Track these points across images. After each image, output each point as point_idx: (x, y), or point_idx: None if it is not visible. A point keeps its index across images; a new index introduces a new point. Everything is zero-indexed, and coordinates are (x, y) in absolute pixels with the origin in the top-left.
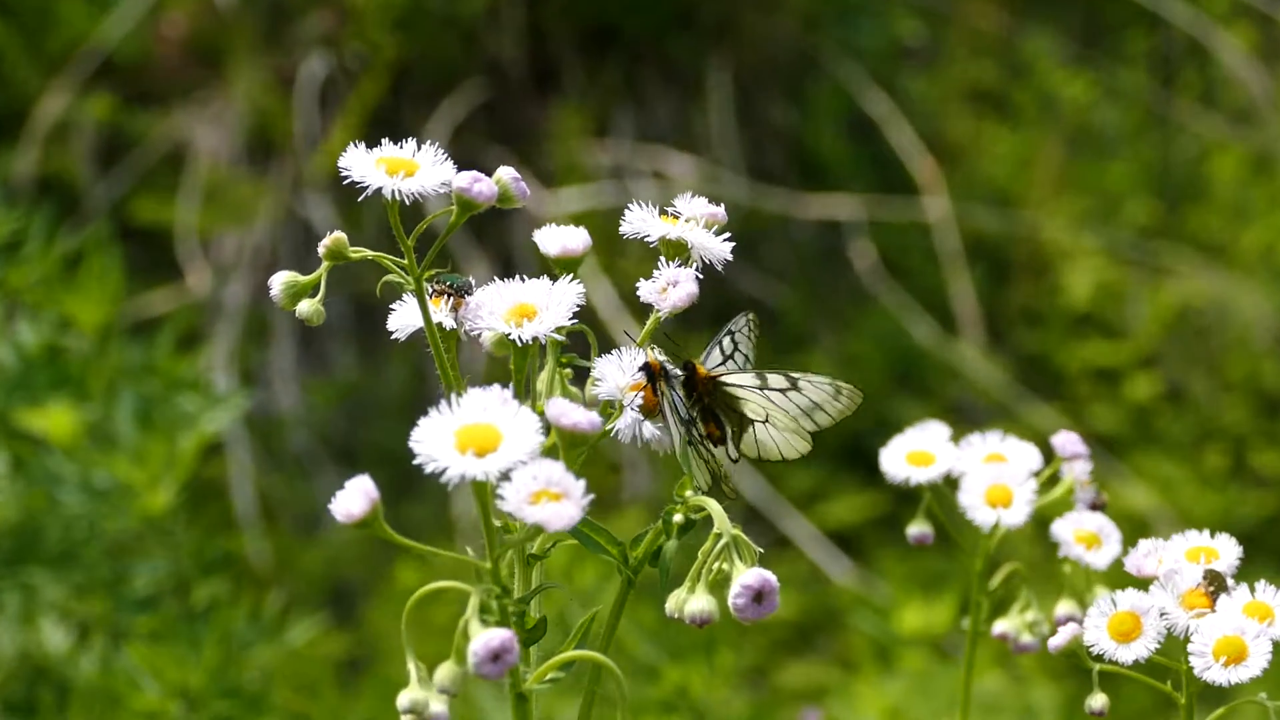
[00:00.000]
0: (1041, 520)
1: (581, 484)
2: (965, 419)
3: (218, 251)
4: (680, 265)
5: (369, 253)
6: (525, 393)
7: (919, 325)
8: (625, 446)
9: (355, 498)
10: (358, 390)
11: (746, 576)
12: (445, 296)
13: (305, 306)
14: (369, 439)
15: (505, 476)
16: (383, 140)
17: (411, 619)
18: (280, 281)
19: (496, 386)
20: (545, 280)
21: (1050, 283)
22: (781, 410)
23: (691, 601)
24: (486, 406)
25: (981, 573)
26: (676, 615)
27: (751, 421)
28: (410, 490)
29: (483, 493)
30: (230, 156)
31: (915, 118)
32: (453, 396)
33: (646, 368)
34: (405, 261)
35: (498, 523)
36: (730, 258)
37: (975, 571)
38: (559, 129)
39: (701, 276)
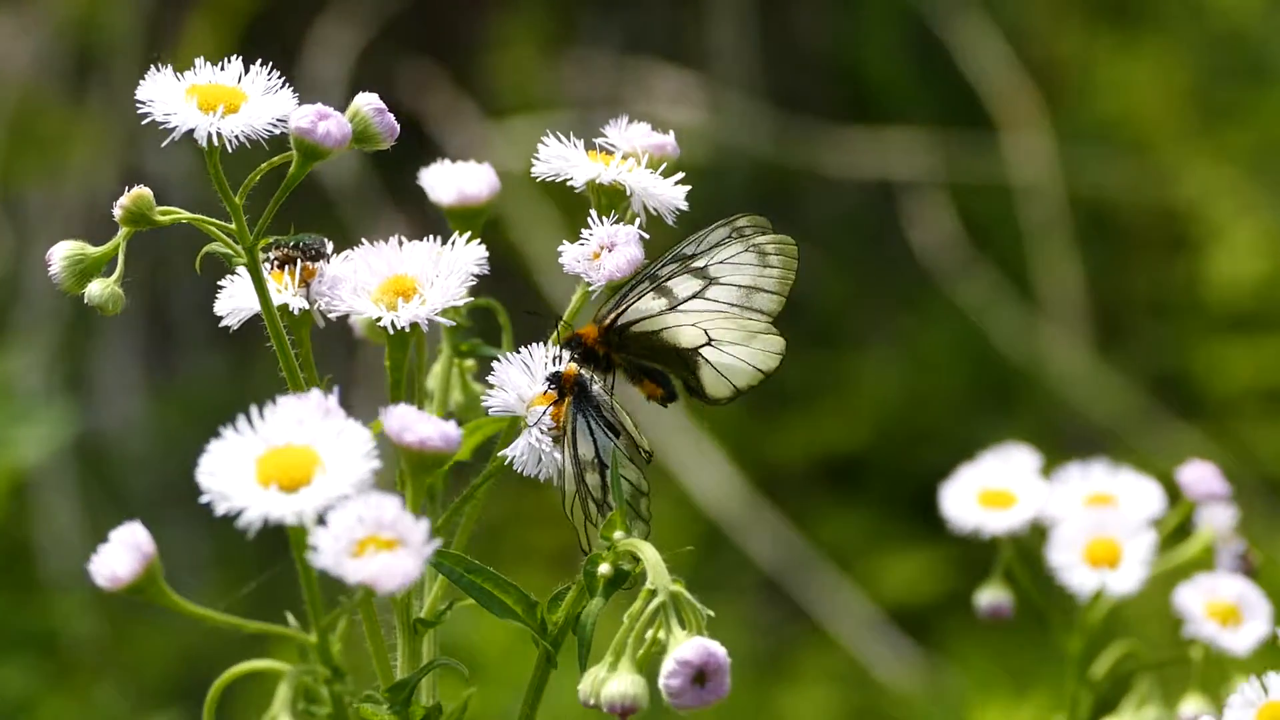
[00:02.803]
0: (1172, 585)
1: (424, 527)
2: (1071, 448)
3: (24, 208)
4: (618, 221)
5: (183, 214)
6: (411, 395)
7: (1005, 320)
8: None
9: (122, 555)
10: (223, 404)
11: (684, 649)
12: (292, 265)
13: (97, 289)
14: None
15: (323, 519)
16: (258, 58)
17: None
18: (62, 255)
19: (315, 392)
20: (431, 242)
21: (1190, 263)
22: (716, 316)
23: (611, 683)
24: (302, 420)
25: (1081, 657)
26: (591, 701)
27: (695, 351)
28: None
29: (299, 540)
30: (41, 77)
31: (1003, 31)
32: (264, 410)
33: (556, 378)
34: (234, 226)
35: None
36: (685, 206)
37: (1073, 655)
38: (507, 36)
39: (648, 235)
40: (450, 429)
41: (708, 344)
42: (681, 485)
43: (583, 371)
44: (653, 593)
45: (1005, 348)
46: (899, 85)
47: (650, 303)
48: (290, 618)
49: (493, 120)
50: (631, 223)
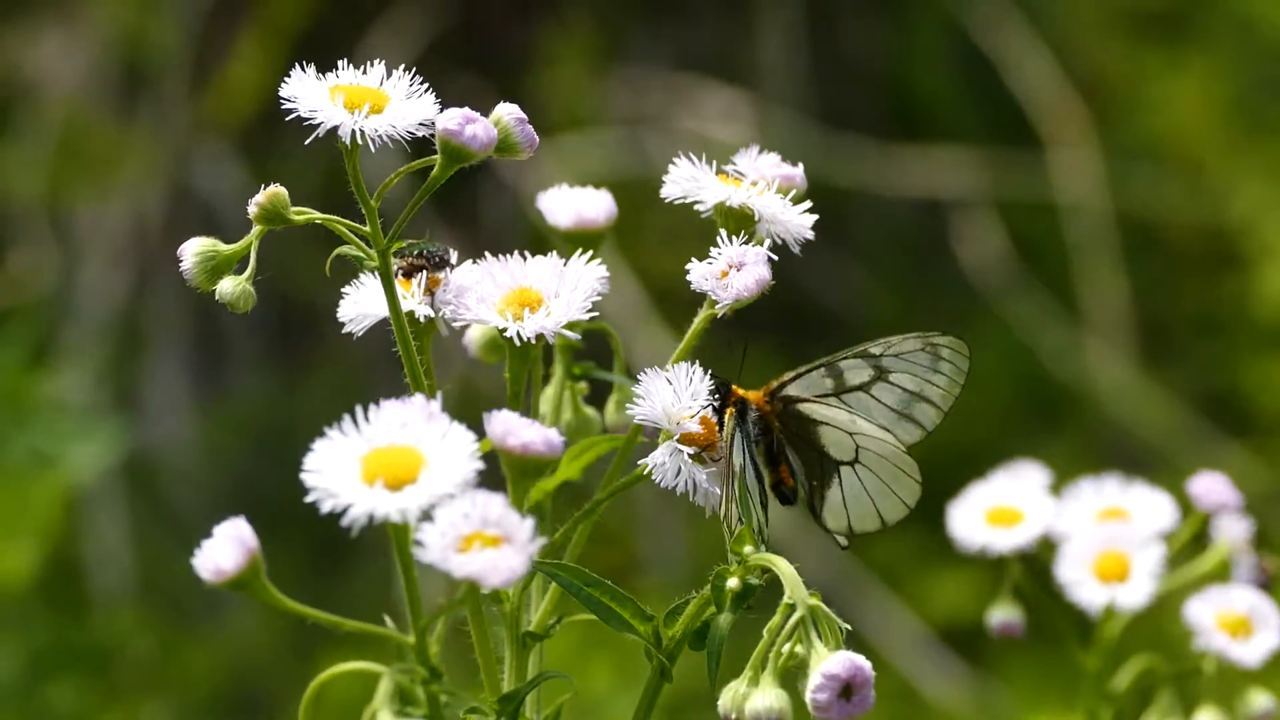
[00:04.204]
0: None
1: (529, 525)
2: (1118, 466)
3: (72, 226)
4: (745, 243)
5: (316, 215)
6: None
7: (1053, 338)
8: (640, 504)
9: (227, 548)
10: (273, 422)
11: (831, 663)
12: (418, 273)
13: (229, 286)
14: (288, 489)
15: (428, 516)
16: (306, 70)
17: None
18: (194, 251)
19: (419, 397)
20: (553, 258)
21: (1239, 279)
22: (874, 440)
23: (755, 698)
24: (406, 423)
25: (1099, 672)
26: (733, 716)
27: (836, 466)
28: (351, 559)
29: (401, 539)
30: (90, 95)
31: (1050, 47)
32: (370, 411)
33: (722, 388)
34: (367, 229)
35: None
36: (811, 235)
37: (1090, 671)
38: (555, 53)
39: (775, 258)
40: (553, 435)
41: (852, 463)
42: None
43: (748, 402)
44: (791, 607)
45: (1053, 366)
46: (946, 102)
47: (820, 379)
48: (388, 619)
49: (541, 137)
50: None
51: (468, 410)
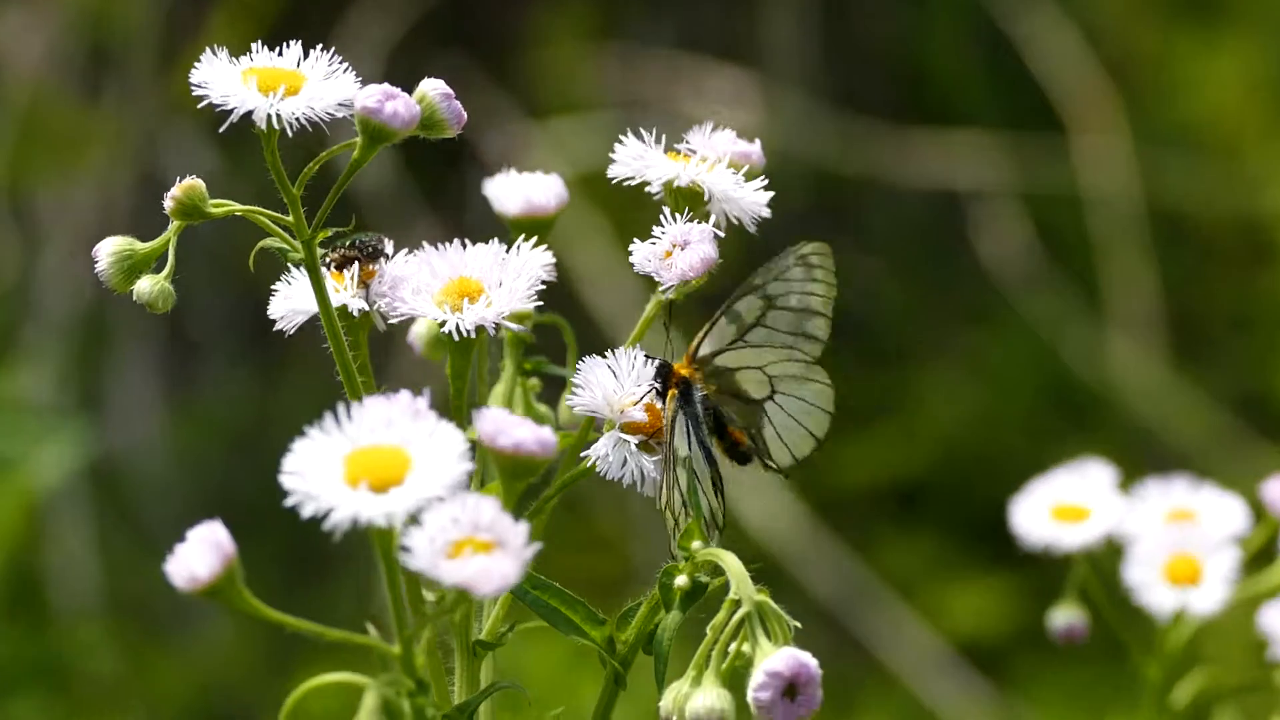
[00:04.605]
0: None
1: (523, 529)
2: (1149, 470)
3: (34, 213)
4: (692, 221)
5: (237, 206)
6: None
7: (1079, 336)
8: (633, 510)
9: (202, 553)
10: (246, 425)
11: (774, 660)
12: (350, 264)
13: (146, 285)
14: (265, 496)
15: (415, 519)
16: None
17: None
18: (109, 251)
19: (405, 393)
20: (495, 245)
21: (1276, 273)
22: (775, 354)
23: (696, 698)
24: (391, 421)
25: (1162, 684)
26: (674, 718)
27: (760, 405)
28: (327, 568)
29: (385, 544)
30: (54, 75)
31: (1076, 27)
32: (352, 409)
33: (662, 371)
34: (291, 219)
35: (427, 594)
36: (767, 213)
37: (1151, 682)
38: (549, 32)
39: (722, 234)
40: (546, 434)
41: (771, 396)
42: (733, 510)
43: (691, 380)
44: (736, 603)
45: (1079, 365)
46: (966, 85)
47: (725, 329)
48: (371, 628)
49: (534, 121)
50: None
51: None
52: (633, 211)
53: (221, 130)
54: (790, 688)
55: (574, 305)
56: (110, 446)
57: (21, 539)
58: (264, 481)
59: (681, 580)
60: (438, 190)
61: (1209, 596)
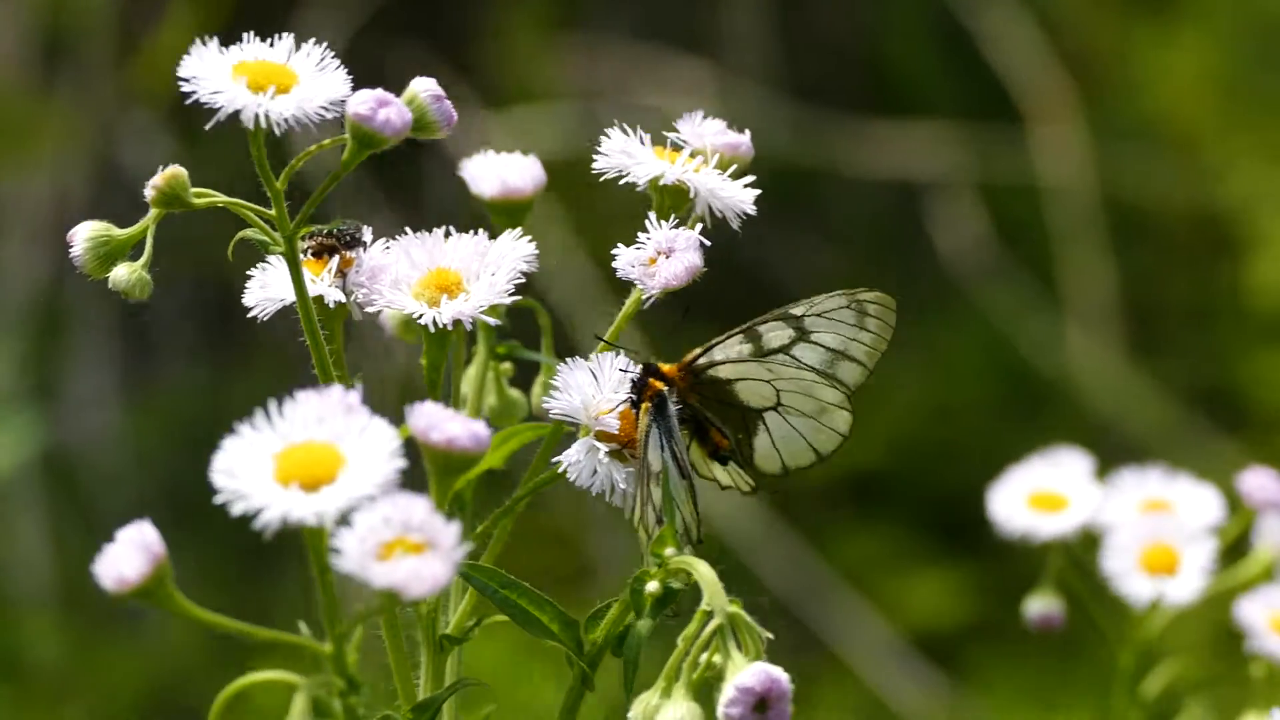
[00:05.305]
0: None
1: (455, 530)
2: (1105, 463)
3: None
4: (678, 225)
5: (220, 197)
6: (447, 398)
7: (1035, 328)
8: (592, 504)
9: (130, 555)
10: (203, 417)
11: (745, 676)
12: (328, 254)
13: (123, 273)
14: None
15: (347, 519)
16: (244, 37)
17: None
18: (85, 235)
19: (336, 388)
20: (475, 236)
21: (1233, 267)
22: (793, 380)
23: (666, 710)
24: (323, 417)
25: (1133, 673)
26: None
27: (759, 414)
28: (286, 561)
29: (317, 544)
30: (8, 62)
31: (1034, 19)
32: (284, 406)
33: (644, 375)
34: (273, 212)
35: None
36: (753, 210)
37: (1123, 671)
38: (509, 21)
39: (709, 242)
40: (480, 429)
41: (774, 408)
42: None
43: (665, 391)
44: (708, 614)
45: (1035, 357)
46: (924, 77)
47: (737, 346)
48: (304, 626)
49: (493, 110)
50: (694, 226)
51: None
52: (585, 199)
53: (208, 128)
54: (761, 703)
55: (531, 294)
56: (64, 437)
57: None
58: None
59: (653, 586)
60: (395, 182)
61: (1186, 586)
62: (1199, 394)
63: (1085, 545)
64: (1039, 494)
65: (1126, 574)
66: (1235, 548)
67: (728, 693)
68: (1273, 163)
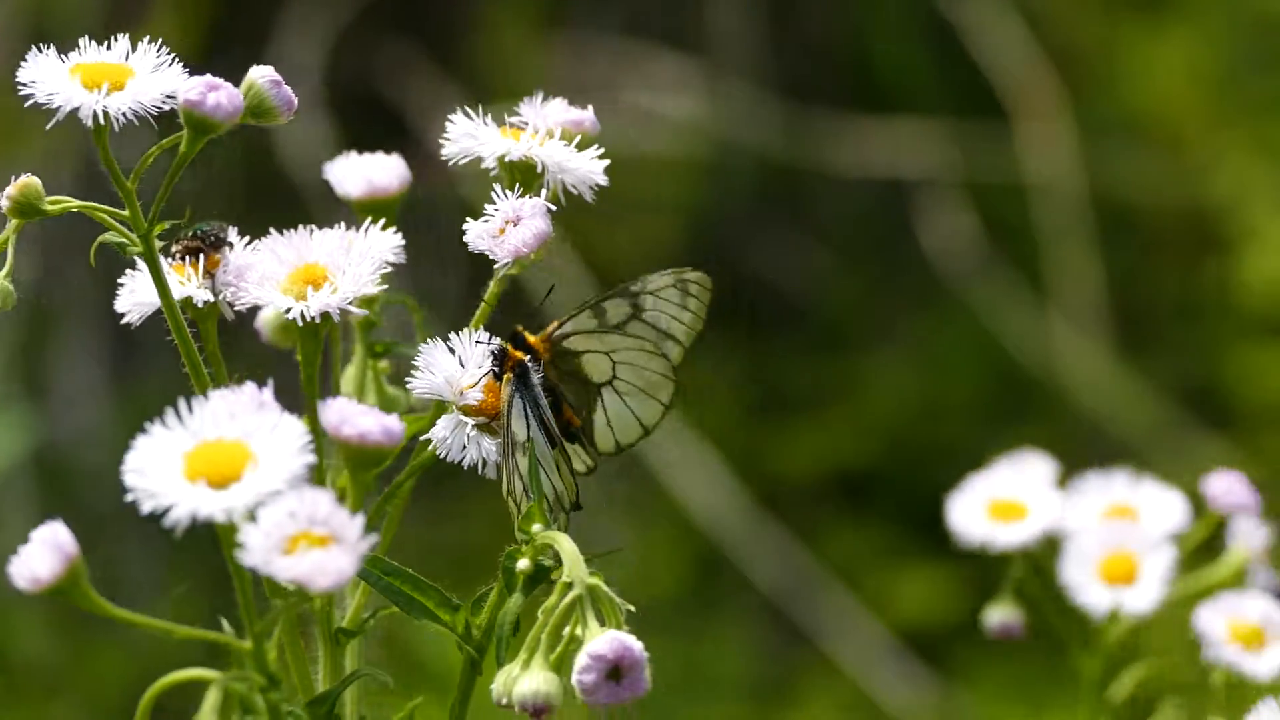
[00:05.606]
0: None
1: (359, 523)
2: (1093, 460)
3: None
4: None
5: (73, 202)
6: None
7: (1024, 325)
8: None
9: (44, 556)
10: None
11: (598, 643)
12: (194, 255)
13: None
14: None
15: (254, 515)
16: (228, 41)
17: None
18: None
19: (249, 385)
20: (341, 230)
21: (1221, 264)
22: (625, 351)
23: (523, 681)
24: (234, 414)
25: (1099, 679)
26: (504, 701)
27: (598, 389)
28: None
29: (228, 539)
30: None
31: (1021, 16)
32: (192, 404)
33: (498, 352)
34: (127, 213)
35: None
36: (604, 181)
37: (1089, 678)
38: (495, 18)
39: (554, 207)
40: (392, 422)
41: (609, 383)
42: (677, 499)
43: (528, 360)
44: (569, 586)
45: (1023, 354)
46: (911, 74)
47: (587, 320)
48: (225, 624)
49: (479, 107)
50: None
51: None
52: (573, 198)
53: (163, 118)
54: (614, 670)
55: (513, 291)
56: (54, 434)
57: None
58: None
59: (523, 564)
60: None
61: (1144, 596)
62: (1187, 391)
63: (1051, 551)
64: (999, 502)
65: (1084, 584)
66: (1210, 548)
67: (581, 660)
68: (1261, 158)
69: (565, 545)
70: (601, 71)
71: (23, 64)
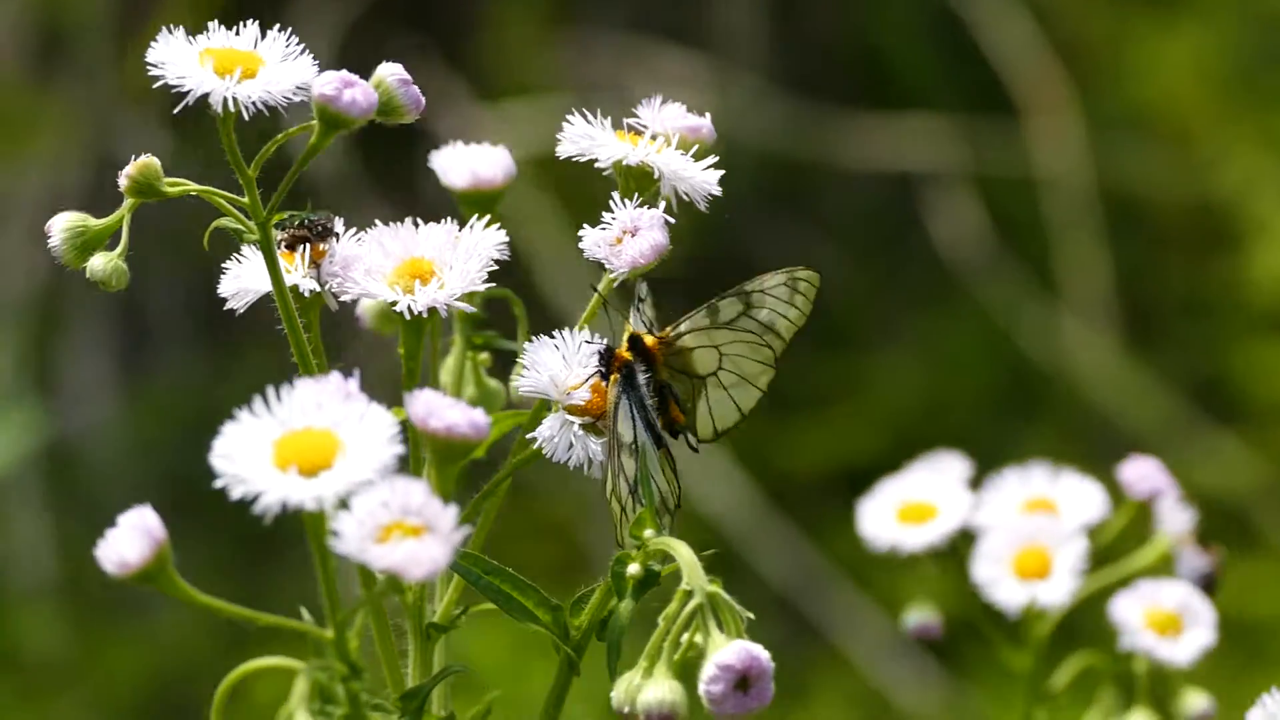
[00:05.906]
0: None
1: (453, 513)
2: (1102, 455)
3: None
4: (643, 205)
5: (193, 186)
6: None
7: (1032, 320)
8: (587, 494)
9: (132, 539)
10: (201, 408)
11: (725, 653)
12: (301, 244)
13: (99, 263)
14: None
15: (345, 504)
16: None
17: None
18: (63, 226)
19: (335, 375)
20: (447, 225)
21: (1230, 259)
22: (734, 342)
23: (648, 689)
24: (321, 404)
25: (1034, 672)
26: (626, 709)
27: (703, 380)
28: (287, 549)
29: (316, 528)
30: (5, 57)
31: (1029, 10)
32: (283, 391)
33: (605, 354)
34: (246, 200)
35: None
36: (718, 191)
37: (1020, 672)
38: (503, 14)
39: (674, 220)
40: (478, 416)
41: (714, 373)
42: (687, 497)
43: (634, 360)
44: (688, 594)
45: (1032, 349)
46: (919, 69)
47: (702, 319)
48: (305, 612)
49: (487, 103)
50: (656, 205)
51: (374, 380)
52: (583, 193)
53: (176, 112)
54: (742, 680)
55: (525, 287)
56: (64, 430)
57: None
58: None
59: (634, 569)
60: (389, 173)
61: (1057, 589)
62: (1195, 387)
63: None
64: (909, 505)
65: (997, 581)
66: (1139, 536)
67: (708, 670)
68: (1269, 153)
69: (683, 552)
70: (608, 67)
71: (34, 61)
